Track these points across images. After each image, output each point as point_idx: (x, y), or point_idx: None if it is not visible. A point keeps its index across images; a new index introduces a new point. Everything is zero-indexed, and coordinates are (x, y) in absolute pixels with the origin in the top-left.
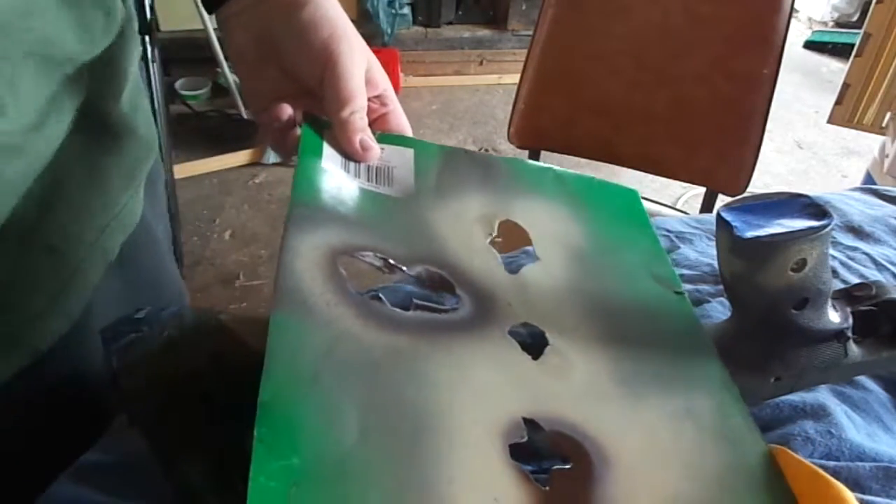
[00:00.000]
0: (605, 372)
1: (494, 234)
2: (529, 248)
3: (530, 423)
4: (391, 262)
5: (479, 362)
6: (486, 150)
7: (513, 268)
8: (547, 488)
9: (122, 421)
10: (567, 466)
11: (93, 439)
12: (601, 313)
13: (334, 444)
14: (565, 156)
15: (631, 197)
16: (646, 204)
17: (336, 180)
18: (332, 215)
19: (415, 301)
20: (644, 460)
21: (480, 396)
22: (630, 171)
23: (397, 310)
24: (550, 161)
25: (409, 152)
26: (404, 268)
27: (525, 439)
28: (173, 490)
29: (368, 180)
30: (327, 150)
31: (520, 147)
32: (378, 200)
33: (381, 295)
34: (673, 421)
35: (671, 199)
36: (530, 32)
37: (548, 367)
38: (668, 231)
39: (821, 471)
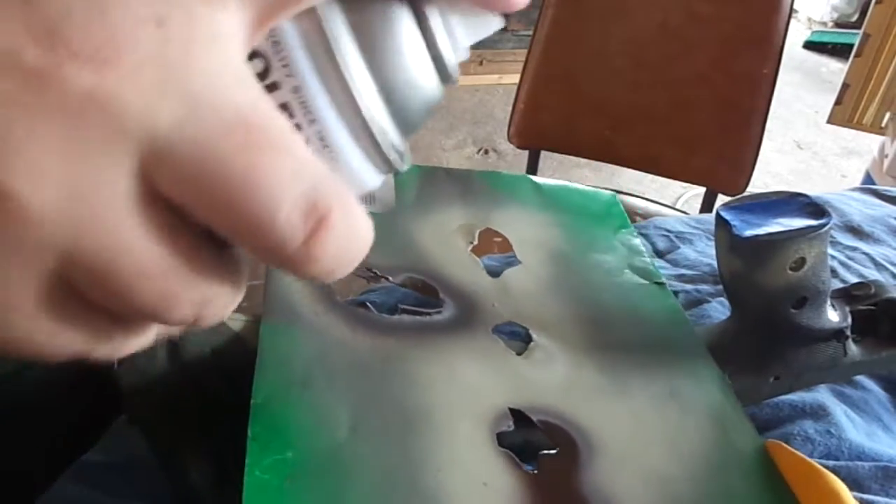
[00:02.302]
0: (589, 362)
1: (475, 242)
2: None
3: (517, 413)
4: (376, 272)
5: (465, 359)
6: (486, 151)
7: (495, 272)
8: (535, 472)
9: (122, 421)
10: (554, 452)
11: (93, 439)
12: (583, 307)
13: (326, 439)
14: (565, 156)
15: (609, 201)
16: (646, 204)
17: None
18: None
19: (401, 307)
20: (630, 443)
21: (467, 391)
22: (630, 171)
23: (384, 315)
24: (551, 161)
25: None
26: (389, 277)
27: (512, 428)
28: (173, 490)
29: None
30: None
31: (520, 147)
32: None
33: (368, 302)
34: (657, 403)
35: (671, 199)
36: (530, 32)
37: (532, 361)
38: (668, 231)
39: (813, 462)
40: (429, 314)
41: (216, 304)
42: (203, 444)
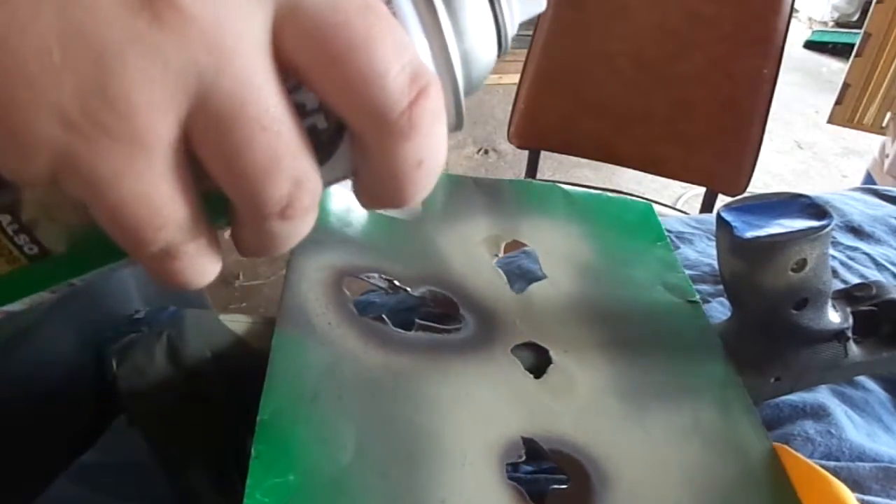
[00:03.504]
0: (610, 388)
1: (501, 254)
2: (529, 250)
3: (529, 443)
4: (396, 282)
5: (479, 382)
6: (486, 151)
7: (519, 286)
8: None
9: (121, 422)
10: (564, 486)
11: (93, 439)
12: (608, 328)
13: (330, 462)
14: (565, 156)
15: (644, 211)
16: None
17: (343, 204)
18: (338, 237)
19: (418, 322)
20: (646, 476)
21: (479, 416)
22: (630, 171)
23: (399, 330)
24: (551, 161)
25: None
26: (409, 288)
27: (523, 458)
28: (173, 491)
29: None
30: None
31: (520, 147)
32: (384, 223)
33: (384, 315)
34: (679, 436)
35: (671, 199)
36: (530, 32)
37: (550, 386)
38: (668, 231)
39: (818, 467)
40: (447, 331)
41: (306, 188)
42: (203, 445)
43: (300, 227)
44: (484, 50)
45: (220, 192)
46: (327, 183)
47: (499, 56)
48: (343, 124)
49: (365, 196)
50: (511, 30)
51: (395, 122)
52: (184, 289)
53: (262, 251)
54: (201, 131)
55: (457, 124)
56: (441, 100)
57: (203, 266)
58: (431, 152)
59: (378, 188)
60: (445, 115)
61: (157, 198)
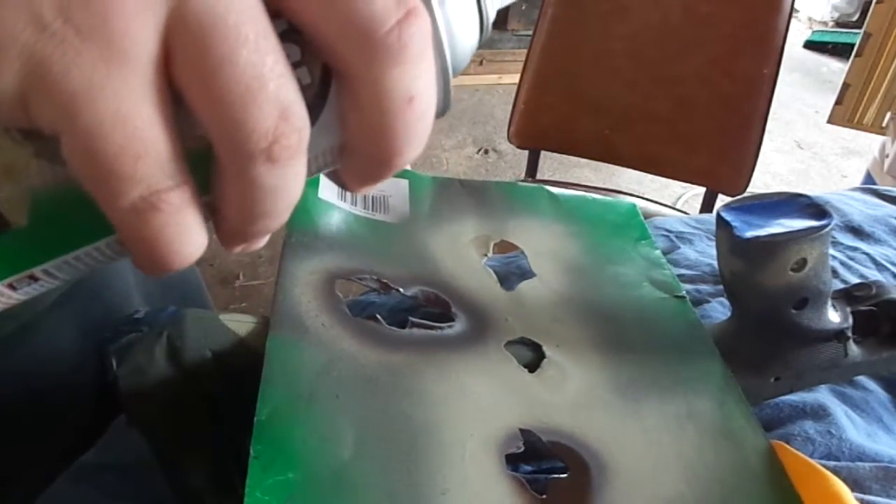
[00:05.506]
0: (603, 381)
1: (490, 254)
2: (523, 256)
3: (527, 434)
4: (388, 283)
5: (475, 377)
6: (486, 151)
7: (509, 284)
8: (544, 497)
9: (122, 421)
10: (564, 476)
11: (93, 439)
12: (599, 323)
13: (330, 459)
14: (565, 156)
15: (629, 212)
16: (646, 204)
17: (332, 209)
18: (328, 241)
19: (412, 320)
20: (643, 465)
21: (476, 409)
22: (630, 171)
23: (394, 328)
24: (551, 161)
25: (404, 182)
26: (401, 289)
27: (521, 450)
28: (173, 490)
29: (365, 208)
30: (324, 181)
31: (520, 147)
32: (374, 226)
33: (378, 315)
34: (673, 425)
35: (671, 199)
36: (530, 32)
37: (544, 379)
38: (668, 231)
39: (817, 464)
40: (440, 328)
41: (293, 124)
42: (203, 445)
43: (287, 179)
44: (467, 35)
45: (202, 150)
46: (315, 155)
47: (480, 41)
48: (327, 77)
49: (355, 160)
50: (491, 14)
51: (384, 40)
52: (167, 264)
53: (247, 219)
54: (181, 47)
55: (444, 107)
56: (429, 28)
57: (188, 228)
58: (422, 87)
59: (368, 140)
60: (430, 45)
61: (137, 119)
